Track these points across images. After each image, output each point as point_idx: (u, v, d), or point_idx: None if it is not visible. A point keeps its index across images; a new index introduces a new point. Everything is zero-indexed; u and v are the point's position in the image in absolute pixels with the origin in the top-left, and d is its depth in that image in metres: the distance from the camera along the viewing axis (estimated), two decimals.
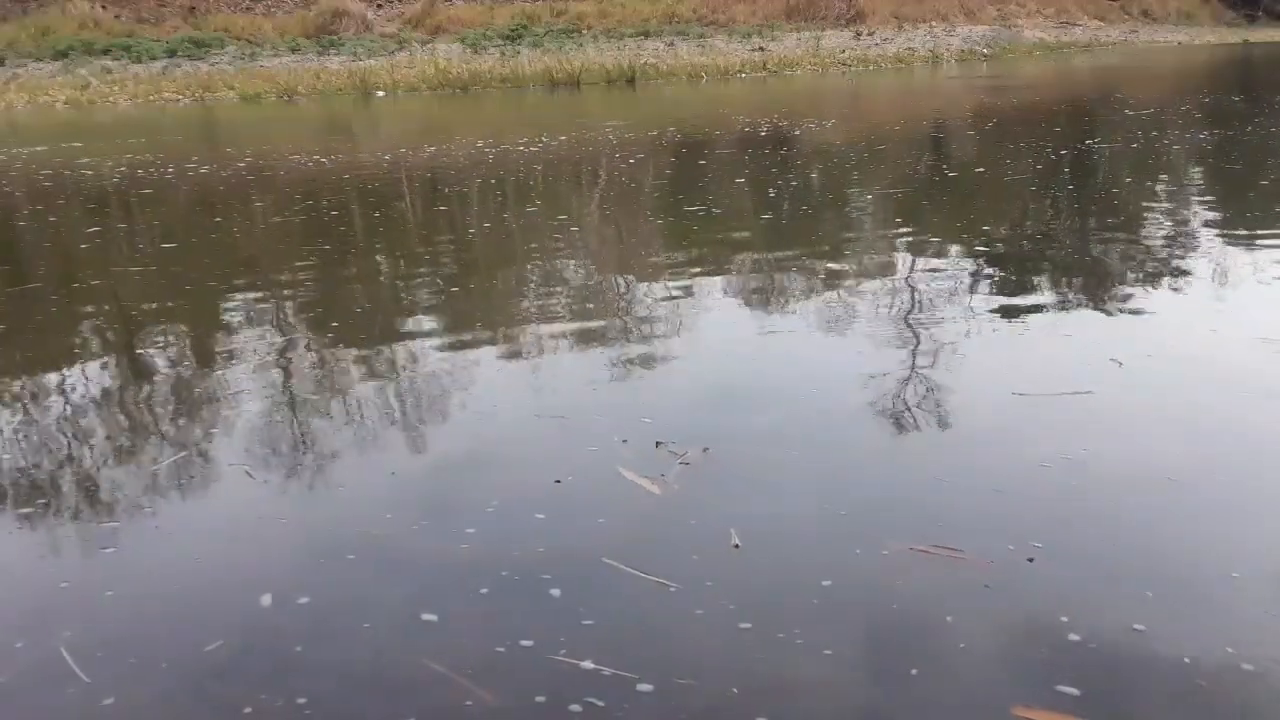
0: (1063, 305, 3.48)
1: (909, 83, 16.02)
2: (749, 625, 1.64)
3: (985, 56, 20.74)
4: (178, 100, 14.99)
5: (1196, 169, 6.59)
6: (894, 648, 1.57)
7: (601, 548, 1.88)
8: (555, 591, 1.75)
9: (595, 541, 1.91)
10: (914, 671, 1.52)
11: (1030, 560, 1.79)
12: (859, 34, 22.37)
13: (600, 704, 1.46)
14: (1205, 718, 1.41)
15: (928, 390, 2.64)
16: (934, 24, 24.28)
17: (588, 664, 1.55)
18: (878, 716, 1.44)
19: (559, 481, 2.17)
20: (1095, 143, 7.93)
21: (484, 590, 1.77)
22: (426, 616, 1.70)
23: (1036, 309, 3.39)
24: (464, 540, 1.94)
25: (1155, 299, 3.49)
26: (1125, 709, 1.43)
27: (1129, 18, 30.67)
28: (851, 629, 1.63)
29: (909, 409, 2.52)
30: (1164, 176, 6.35)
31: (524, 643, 1.61)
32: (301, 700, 1.50)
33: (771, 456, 2.27)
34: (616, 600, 1.72)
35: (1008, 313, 3.34)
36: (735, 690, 1.49)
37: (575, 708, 1.46)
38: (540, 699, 1.49)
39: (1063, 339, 3.07)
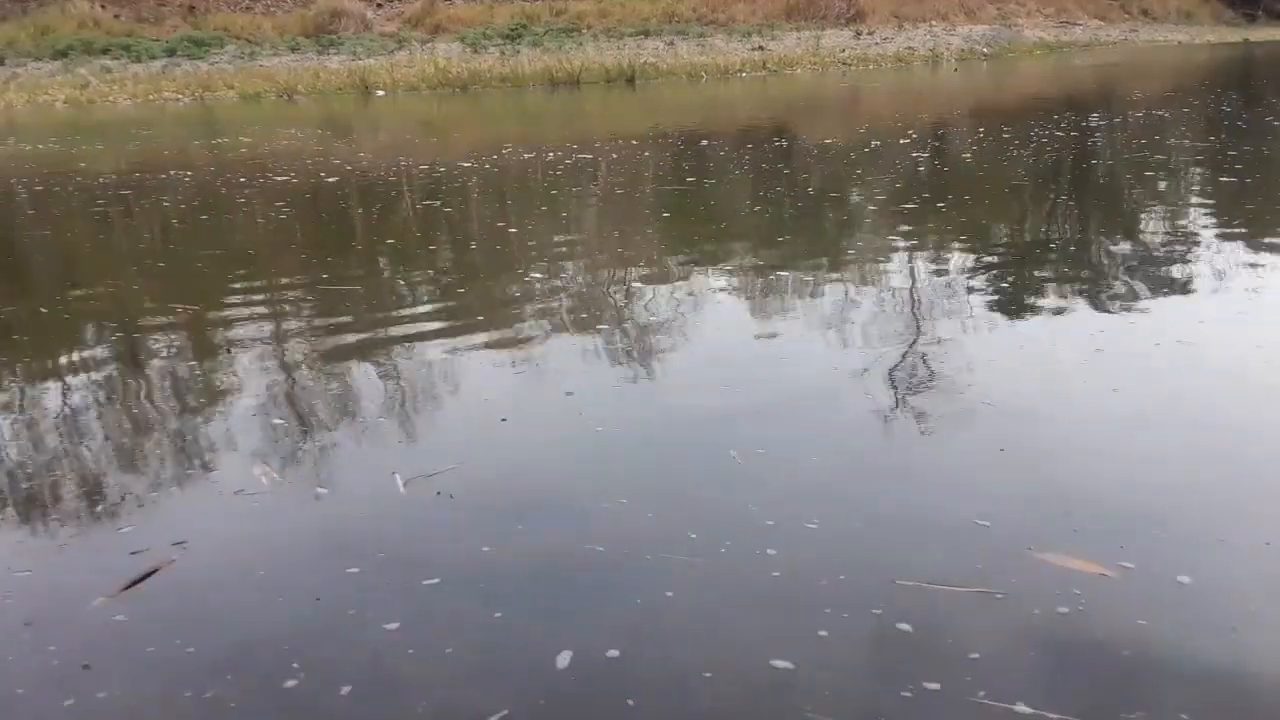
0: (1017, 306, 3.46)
1: (916, 82, 16.00)
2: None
3: (985, 56, 20.73)
4: (178, 100, 14.96)
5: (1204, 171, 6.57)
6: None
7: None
8: None
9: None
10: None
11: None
12: (859, 33, 22.35)
13: None
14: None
15: (883, 382, 2.65)
16: (934, 23, 24.26)
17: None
18: None
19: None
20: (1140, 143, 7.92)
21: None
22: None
23: (1008, 308, 3.41)
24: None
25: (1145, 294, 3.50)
26: None
27: (1129, 17, 30.64)
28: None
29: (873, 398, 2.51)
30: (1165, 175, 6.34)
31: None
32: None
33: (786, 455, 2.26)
34: None
35: (979, 310, 3.36)
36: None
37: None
38: None
39: (987, 336, 3.09)
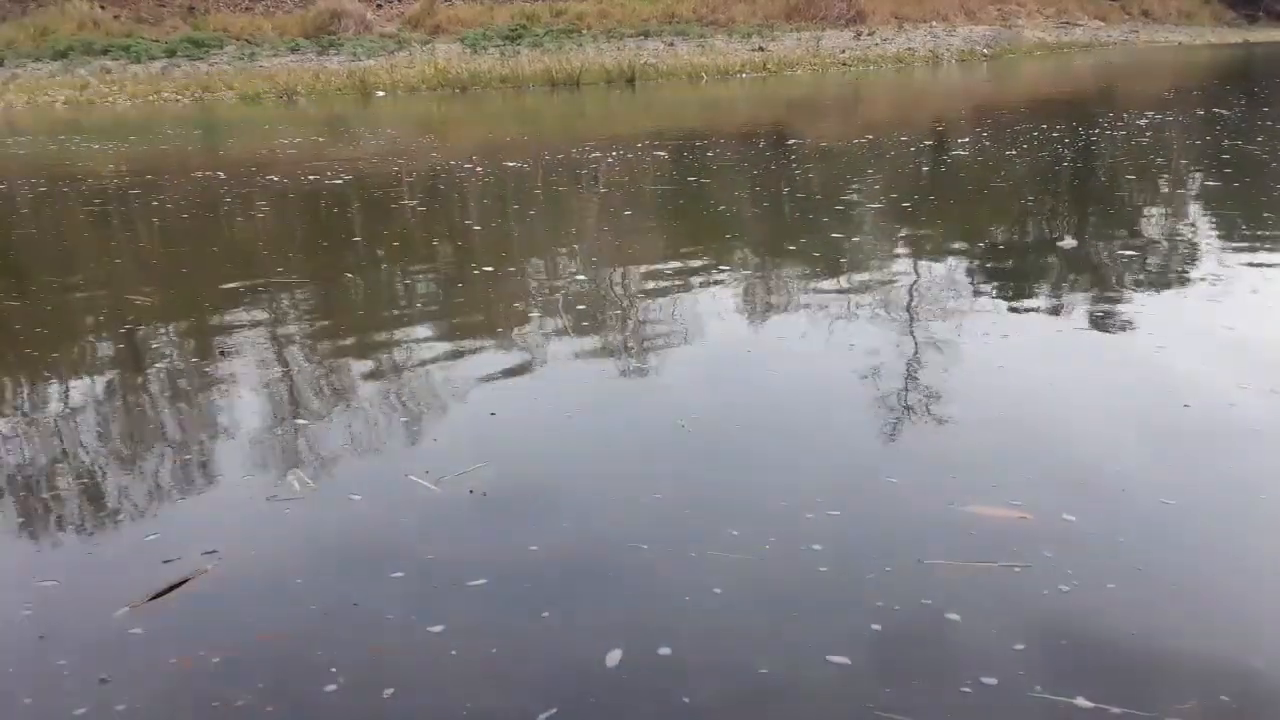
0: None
1: (927, 83, 15.99)
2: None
3: (986, 56, 20.71)
4: (177, 100, 14.91)
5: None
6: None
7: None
8: None
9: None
10: None
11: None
12: (859, 34, 22.33)
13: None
14: None
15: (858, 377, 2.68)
16: (934, 24, 24.25)
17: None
18: None
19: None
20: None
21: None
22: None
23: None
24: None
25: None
26: None
27: (1129, 18, 30.63)
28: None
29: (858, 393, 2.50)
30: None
31: None
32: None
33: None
34: None
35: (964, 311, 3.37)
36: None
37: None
38: None
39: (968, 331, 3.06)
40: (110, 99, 15.01)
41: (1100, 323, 3.20)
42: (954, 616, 1.60)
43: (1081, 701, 1.41)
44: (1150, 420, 2.37)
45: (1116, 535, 1.84)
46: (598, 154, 7.70)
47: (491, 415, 2.51)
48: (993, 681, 1.46)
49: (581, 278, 3.99)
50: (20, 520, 2.07)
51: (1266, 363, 2.73)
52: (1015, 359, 2.87)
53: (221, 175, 7.11)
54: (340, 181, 6.68)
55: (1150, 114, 9.49)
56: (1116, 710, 1.39)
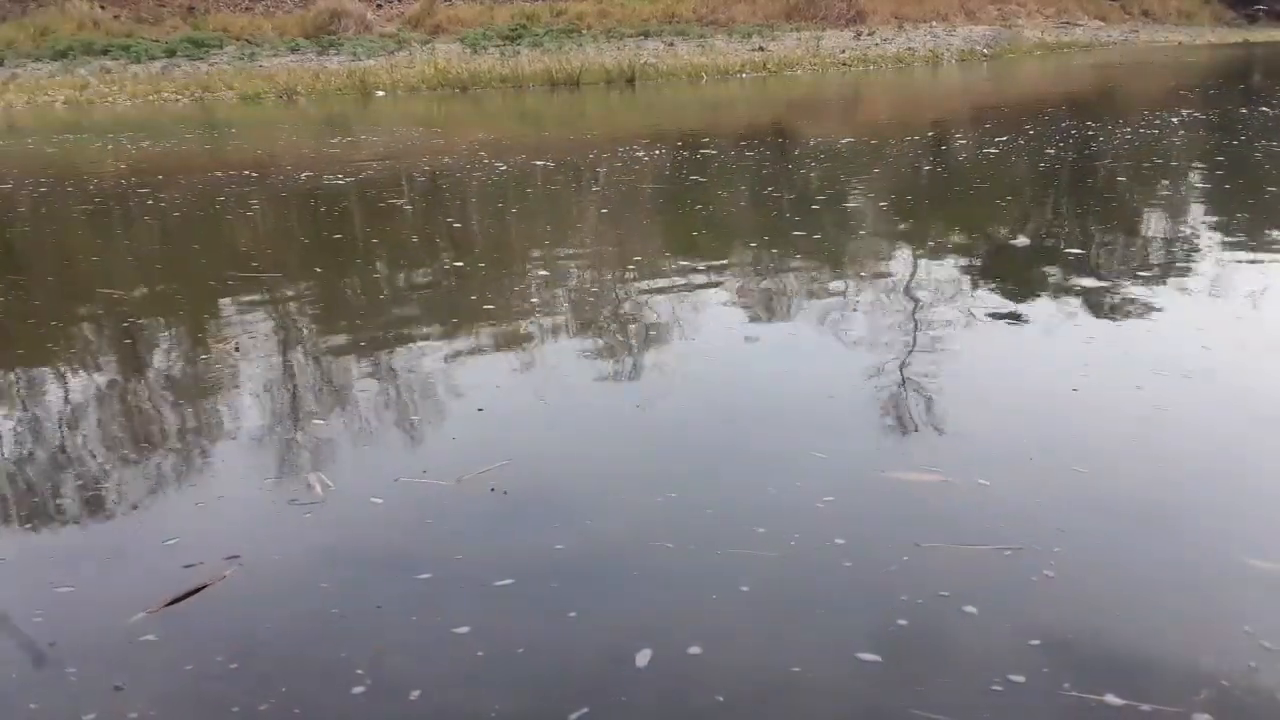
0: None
1: (931, 83, 15.99)
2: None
3: (986, 56, 20.70)
4: (177, 100, 14.89)
5: None
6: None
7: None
8: None
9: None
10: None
11: None
12: (859, 34, 22.34)
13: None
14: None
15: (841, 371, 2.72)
16: (934, 24, 24.25)
17: None
18: None
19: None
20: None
21: None
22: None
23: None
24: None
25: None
26: None
27: (1129, 17, 30.62)
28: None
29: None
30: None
31: None
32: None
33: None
34: None
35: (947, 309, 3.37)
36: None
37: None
38: None
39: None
40: (110, 99, 15.00)
41: (1034, 313, 3.24)
42: (971, 609, 1.60)
43: (1111, 699, 1.41)
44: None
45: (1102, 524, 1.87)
46: (594, 154, 7.70)
47: (479, 411, 2.52)
48: (1020, 679, 1.45)
49: (586, 281, 3.99)
50: (34, 526, 2.07)
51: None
52: (1004, 354, 2.91)
53: (251, 174, 7.10)
54: (342, 182, 6.67)
55: (1185, 112, 9.46)
56: (1146, 708, 1.39)
